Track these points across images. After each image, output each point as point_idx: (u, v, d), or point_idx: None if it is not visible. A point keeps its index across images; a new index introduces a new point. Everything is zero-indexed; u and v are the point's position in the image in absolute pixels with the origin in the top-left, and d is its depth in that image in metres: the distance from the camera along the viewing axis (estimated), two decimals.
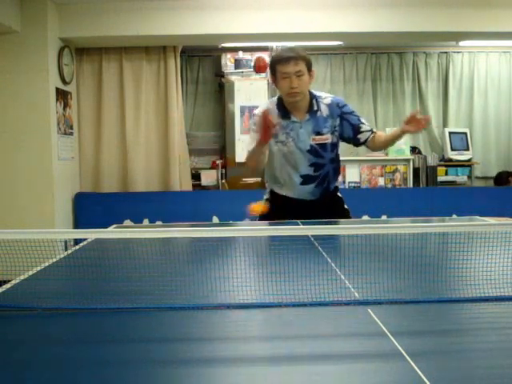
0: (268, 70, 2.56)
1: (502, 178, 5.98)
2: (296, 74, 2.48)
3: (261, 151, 2.52)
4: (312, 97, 2.60)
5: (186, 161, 5.52)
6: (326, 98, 2.64)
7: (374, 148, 2.75)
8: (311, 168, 2.62)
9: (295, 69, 2.48)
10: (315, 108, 2.59)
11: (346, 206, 2.76)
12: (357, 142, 2.66)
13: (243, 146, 5.48)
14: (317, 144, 2.59)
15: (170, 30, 4.81)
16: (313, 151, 2.60)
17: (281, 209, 2.65)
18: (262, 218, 2.65)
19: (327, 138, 2.60)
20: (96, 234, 1.44)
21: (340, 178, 2.81)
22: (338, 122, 2.60)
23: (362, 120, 2.63)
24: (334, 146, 2.64)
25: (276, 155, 2.62)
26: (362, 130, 2.61)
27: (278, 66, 2.51)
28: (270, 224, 2.50)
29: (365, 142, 2.63)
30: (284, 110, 2.58)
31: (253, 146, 2.54)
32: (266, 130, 2.37)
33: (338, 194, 2.77)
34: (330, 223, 2.48)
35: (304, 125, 2.57)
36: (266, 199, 2.73)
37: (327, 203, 2.68)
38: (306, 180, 2.63)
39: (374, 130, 2.67)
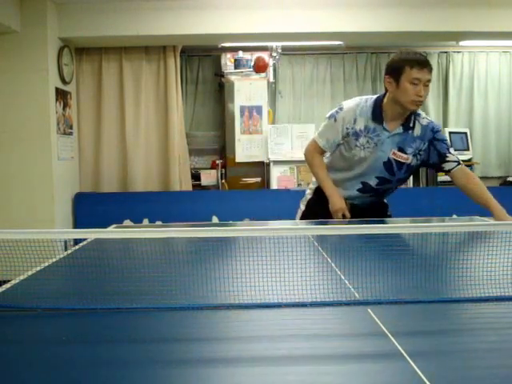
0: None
1: None
2: (425, 83, 2.33)
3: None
4: (412, 112, 2.45)
5: (185, 161, 5.52)
6: (424, 118, 2.51)
7: (456, 184, 2.56)
8: (376, 180, 2.52)
9: (427, 77, 2.33)
10: (411, 124, 2.46)
11: (388, 213, 2.70)
12: (440, 170, 2.57)
13: (243, 145, 5.50)
14: (395, 160, 2.47)
15: (170, 29, 4.81)
16: (387, 165, 2.48)
17: (323, 207, 2.54)
18: (304, 218, 2.62)
19: (407, 159, 2.48)
20: (96, 234, 1.44)
21: None
22: (426, 146, 2.48)
23: (451, 150, 2.51)
24: (410, 168, 2.53)
25: (349, 157, 2.52)
26: (448, 159, 2.49)
27: (408, 69, 2.31)
28: (270, 224, 2.49)
29: (449, 172, 2.51)
30: (379, 114, 2.44)
31: (327, 139, 2.51)
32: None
33: (385, 200, 2.72)
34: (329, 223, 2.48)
35: (392, 137, 2.45)
36: (309, 199, 2.66)
37: (372, 208, 2.62)
38: (365, 189, 2.55)
39: (461, 163, 2.53)
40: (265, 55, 5.54)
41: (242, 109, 5.49)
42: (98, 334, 1.13)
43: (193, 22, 4.77)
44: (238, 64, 5.62)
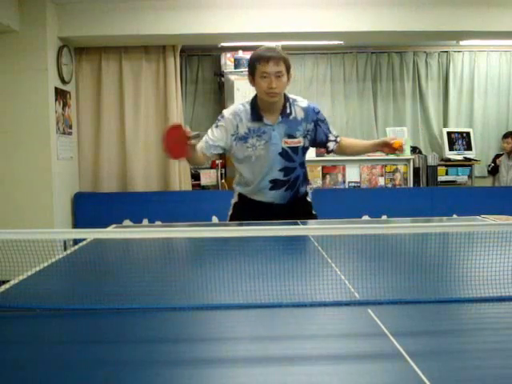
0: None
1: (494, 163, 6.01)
2: (276, 75, 2.44)
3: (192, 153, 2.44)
4: (286, 100, 2.57)
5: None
6: (301, 101, 2.62)
7: (341, 153, 2.80)
8: (281, 172, 2.60)
9: (275, 69, 2.44)
10: (288, 111, 2.56)
11: (314, 212, 2.74)
12: (324, 148, 2.73)
13: None
14: (288, 147, 2.57)
15: (170, 29, 4.81)
16: (284, 154, 2.57)
17: (247, 211, 2.64)
18: (232, 219, 2.66)
19: (299, 142, 2.59)
20: (95, 233, 1.43)
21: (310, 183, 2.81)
22: (312, 126, 2.60)
23: (331, 129, 2.68)
24: (305, 150, 2.64)
25: (245, 160, 2.60)
26: (330, 139, 2.67)
27: (257, 65, 2.46)
28: (270, 224, 2.49)
29: (332, 151, 2.70)
30: (257, 112, 2.54)
31: (202, 143, 2.55)
32: (180, 144, 2.33)
33: (308, 198, 2.76)
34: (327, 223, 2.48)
35: (277, 127, 2.55)
36: (235, 203, 2.71)
37: (295, 208, 2.67)
38: (275, 185, 2.61)
39: (339, 139, 2.70)
40: None
41: None
42: (97, 334, 1.13)
43: (193, 22, 4.77)
44: (237, 64, 5.62)
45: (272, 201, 2.64)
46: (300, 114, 2.58)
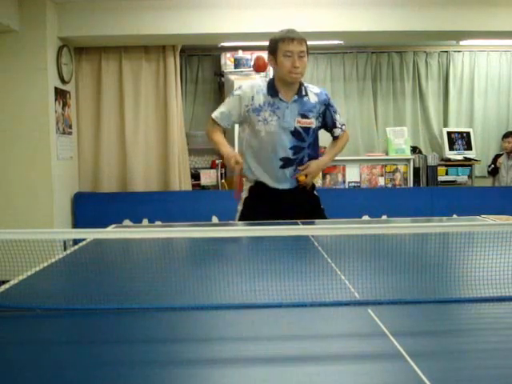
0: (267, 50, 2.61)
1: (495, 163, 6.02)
2: (299, 54, 2.52)
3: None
4: (301, 83, 2.66)
5: (185, 160, 5.52)
6: (314, 87, 2.73)
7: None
8: (291, 151, 2.65)
9: (299, 48, 2.52)
10: (303, 93, 2.65)
11: (322, 206, 2.78)
12: (332, 135, 2.81)
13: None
14: (301, 127, 2.63)
15: (170, 29, 4.80)
16: (296, 133, 2.63)
17: (258, 205, 2.67)
18: (243, 218, 2.67)
19: (312, 123, 2.65)
20: (95, 234, 1.43)
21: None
22: (323, 109, 2.69)
23: (338, 117, 2.77)
24: (316, 131, 2.71)
25: (257, 135, 2.64)
26: (337, 125, 2.76)
27: (281, 45, 2.53)
28: (270, 224, 2.49)
29: (336, 137, 2.79)
30: (273, 88, 2.62)
31: (217, 113, 2.68)
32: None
33: (315, 192, 2.80)
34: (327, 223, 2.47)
35: (291, 106, 2.61)
36: (245, 198, 2.73)
37: (303, 199, 2.71)
38: (285, 163, 2.66)
39: (344, 127, 2.80)
40: (265, 55, 5.51)
41: None
42: (97, 334, 1.13)
43: (192, 22, 4.77)
44: (237, 63, 5.62)
45: (280, 185, 2.67)
46: (313, 98, 2.66)
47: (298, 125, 2.63)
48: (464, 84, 6.30)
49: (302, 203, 2.69)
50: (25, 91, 4.61)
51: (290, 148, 2.64)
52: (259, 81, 2.74)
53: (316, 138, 2.73)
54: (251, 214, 2.64)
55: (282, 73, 2.57)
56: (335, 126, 2.75)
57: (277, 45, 2.55)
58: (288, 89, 2.62)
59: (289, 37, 2.53)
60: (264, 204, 2.67)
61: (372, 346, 1.01)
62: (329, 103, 2.71)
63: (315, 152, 2.75)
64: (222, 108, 2.71)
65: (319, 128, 2.72)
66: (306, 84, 2.70)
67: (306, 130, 2.65)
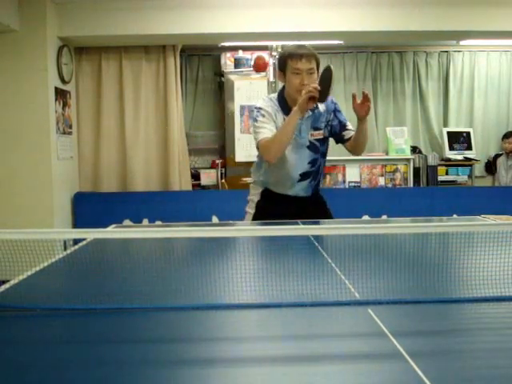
0: (275, 65, 2.53)
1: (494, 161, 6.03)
2: (308, 72, 2.49)
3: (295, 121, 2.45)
4: None
5: (185, 160, 5.52)
6: None
7: (352, 148, 2.70)
8: (309, 165, 2.65)
9: (308, 66, 2.48)
10: (315, 105, 2.61)
11: (328, 207, 2.78)
12: (341, 139, 2.70)
13: (243, 145, 5.49)
14: (315, 139, 2.63)
15: (170, 29, 4.80)
16: (311, 147, 2.63)
17: (271, 210, 2.64)
18: (256, 218, 2.66)
19: (323, 133, 2.65)
20: (95, 233, 1.43)
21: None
22: (332, 116, 2.66)
23: (347, 120, 2.71)
24: (327, 140, 2.70)
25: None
26: (347, 127, 2.67)
27: (289, 62, 2.50)
28: (270, 224, 2.49)
29: (348, 140, 2.67)
30: (286, 106, 2.57)
31: (265, 129, 2.49)
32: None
33: (320, 193, 2.80)
34: (328, 223, 2.48)
35: (305, 121, 2.59)
36: (258, 201, 2.70)
37: (315, 202, 2.72)
38: (303, 177, 2.66)
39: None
40: (265, 54, 5.53)
41: (242, 108, 5.48)
42: (97, 334, 1.13)
43: (193, 22, 4.77)
44: (237, 63, 5.61)
45: (297, 194, 2.67)
46: (322, 107, 2.63)
47: (311, 138, 2.62)
48: (464, 84, 6.29)
49: (314, 204, 2.70)
50: (25, 91, 4.61)
51: (309, 162, 2.64)
52: (269, 99, 2.62)
53: (327, 147, 2.72)
54: (264, 217, 2.63)
55: (290, 89, 2.54)
56: (346, 129, 2.67)
57: (286, 62, 2.51)
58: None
59: (297, 54, 2.48)
60: (276, 206, 2.66)
61: (372, 346, 1.01)
62: (335, 108, 2.68)
63: (325, 160, 2.75)
64: (262, 128, 2.52)
65: (329, 136, 2.69)
66: None
67: (319, 140, 2.64)
